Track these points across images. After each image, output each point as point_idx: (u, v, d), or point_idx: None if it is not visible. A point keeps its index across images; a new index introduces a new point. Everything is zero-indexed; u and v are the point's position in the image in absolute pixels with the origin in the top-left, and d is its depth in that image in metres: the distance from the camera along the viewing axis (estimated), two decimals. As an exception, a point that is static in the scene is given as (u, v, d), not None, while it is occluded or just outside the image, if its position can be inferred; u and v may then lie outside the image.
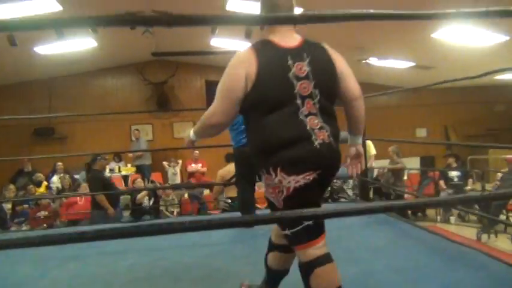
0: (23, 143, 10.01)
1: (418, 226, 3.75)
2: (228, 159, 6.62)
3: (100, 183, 5.85)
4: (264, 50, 1.78)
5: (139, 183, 7.37)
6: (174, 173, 9.21)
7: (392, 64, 9.21)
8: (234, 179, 6.25)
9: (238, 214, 4.01)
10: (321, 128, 1.73)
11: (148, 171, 9.37)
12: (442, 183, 7.91)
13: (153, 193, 7.04)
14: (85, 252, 3.08)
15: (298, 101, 1.72)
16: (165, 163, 9.52)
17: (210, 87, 10.72)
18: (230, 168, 6.50)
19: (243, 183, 3.91)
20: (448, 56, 8.08)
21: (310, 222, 1.72)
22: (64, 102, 10.21)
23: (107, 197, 5.77)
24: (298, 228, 1.73)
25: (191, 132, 2.03)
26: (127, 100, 10.79)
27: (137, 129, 10.09)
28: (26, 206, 7.23)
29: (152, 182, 8.41)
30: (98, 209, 5.80)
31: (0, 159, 5.24)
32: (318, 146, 1.70)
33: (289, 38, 1.82)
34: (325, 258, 1.74)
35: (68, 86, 10.52)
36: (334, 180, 7.29)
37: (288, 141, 1.70)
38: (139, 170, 9.36)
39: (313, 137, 1.71)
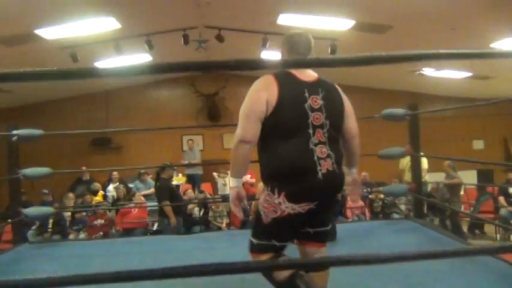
0: (81, 152, 10.52)
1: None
2: None
3: (168, 192, 6.04)
4: (285, 79, 1.96)
5: (190, 193, 7.52)
6: (224, 183, 9.31)
7: (448, 74, 8.90)
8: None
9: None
10: (327, 156, 1.93)
11: (199, 181, 9.56)
12: (501, 199, 7.52)
13: (203, 203, 7.18)
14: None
15: (310, 130, 1.92)
16: (214, 174, 9.66)
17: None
18: None
19: None
20: (507, 66, 7.72)
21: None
22: (120, 113, 10.68)
23: (172, 207, 5.93)
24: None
25: (231, 180, 2.08)
26: (179, 111, 11.09)
27: (191, 140, 10.31)
28: (84, 213, 7.56)
29: (202, 192, 8.55)
30: (165, 217, 5.94)
31: (61, 171, 5.55)
32: (321, 177, 1.90)
33: (306, 73, 2.02)
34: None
35: (124, 98, 10.99)
36: (385, 197, 7.12)
37: (296, 173, 1.90)
38: (191, 179, 9.54)
39: (318, 167, 1.90)
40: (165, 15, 6.40)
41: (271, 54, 8.33)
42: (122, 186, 8.45)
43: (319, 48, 7.19)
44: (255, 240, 2.05)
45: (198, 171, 9.76)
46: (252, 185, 9.20)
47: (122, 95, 10.95)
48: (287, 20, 6.35)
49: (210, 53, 8.71)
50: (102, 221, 7.19)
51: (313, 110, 1.93)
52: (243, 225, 7.19)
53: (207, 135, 11.34)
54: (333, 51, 7.06)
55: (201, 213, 7.06)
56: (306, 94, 1.94)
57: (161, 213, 6.07)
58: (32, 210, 4.37)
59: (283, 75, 1.97)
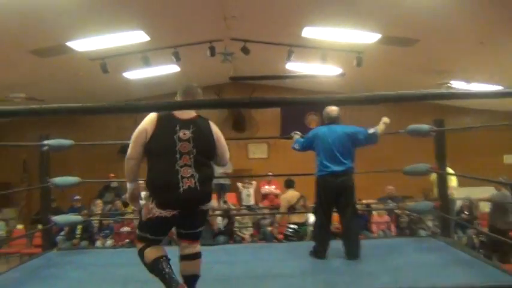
0: (110, 159, 10.73)
1: None
2: (288, 185, 6.68)
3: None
4: (164, 117, 2.62)
5: (214, 203, 7.58)
6: (248, 194, 9.36)
7: (478, 88, 8.72)
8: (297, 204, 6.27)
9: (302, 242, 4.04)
10: (191, 176, 2.53)
11: (226, 191, 9.60)
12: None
13: (227, 213, 7.21)
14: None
15: (177, 155, 2.54)
16: (239, 184, 9.71)
17: (285, 109, 10.84)
18: (293, 193, 6.55)
19: (320, 212, 3.90)
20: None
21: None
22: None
23: None
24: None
25: (128, 184, 2.76)
26: (205, 120, 11.21)
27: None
28: (111, 220, 7.72)
29: (225, 202, 8.60)
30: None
31: (89, 181, 5.71)
32: (182, 192, 2.50)
33: (185, 114, 2.66)
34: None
35: (152, 107, 11.16)
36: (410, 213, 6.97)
37: (162, 187, 2.55)
38: (218, 188, 9.58)
39: (181, 184, 2.51)
40: (192, 28, 6.52)
41: (296, 66, 8.37)
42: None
43: (345, 61, 7.25)
44: (137, 231, 2.71)
45: (227, 181, 9.81)
46: (276, 196, 9.22)
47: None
48: (312, 33, 6.38)
49: (236, 65, 8.81)
50: (129, 229, 7.32)
51: (181, 140, 2.56)
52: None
53: (232, 145, 11.29)
54: (358, 64, 7.04)
55: (225, 223, 7.09)
56: (177, 128, 2.59)
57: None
58: (61, 218, 4.52)
59: (164, 114, 2.64)
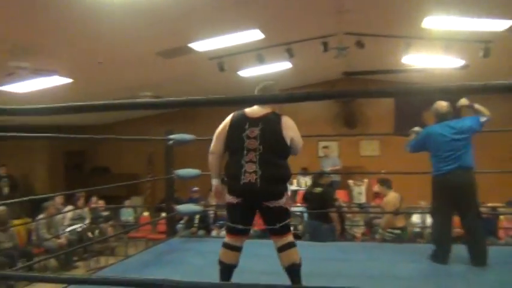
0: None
1: None
2: (388, 185, 6.34)
3: (332, 199, 6.21)
4: (236, 117, 2.89)
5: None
6: (360, 192, 9.15)
7: None
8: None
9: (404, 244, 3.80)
10: (253, 172, 2.71)
11: (336, 188, 9.52)
12: None
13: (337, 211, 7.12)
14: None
15: (245, 152, 2.74)
16: (350, 182, 9.53)
17: (399, 105, 10.34)
18: (395, 195, 6.22)
19: (439, 215, 3.66)
20: None
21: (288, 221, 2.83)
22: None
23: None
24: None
25: (212, 180, 3.03)
26: (316, 116, 11.15)
27: (326, 147, 10.33)
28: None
29: (336, 200, 8.50)
30: (324, 222, 6.04)
31: (208, 173, 6.09)
32: (242, 184, 2.72)
33: (255, 111, 2.86)
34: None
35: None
36: None
37: (230, 176, 2.81)
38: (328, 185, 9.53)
39: (242, 176, 2.72)
40: (305, 24, 6.53)
41: (414, 59, 7.93)
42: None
43: (471, 52, 6.69)
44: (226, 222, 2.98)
45: (338, 177, 9.72)
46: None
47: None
48: (433, 23, 5.98)
49: (350, 60, 8.62)
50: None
51: (249, 138, 2.76)
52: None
53: (343, 141, 11.22)
54: (486, 54, 6.44)
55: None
56: (246, 126, 2.79)
57: (320, 218, 6.11)
58: (183, 207, 4.85)
59: (237, 114, 2.90)
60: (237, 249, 2.84)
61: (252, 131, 2.75)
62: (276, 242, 2.81)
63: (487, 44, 6.33)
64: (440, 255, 3.53)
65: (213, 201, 8.23)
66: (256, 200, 2.74)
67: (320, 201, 6.13)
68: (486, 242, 3.66)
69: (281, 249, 2.78)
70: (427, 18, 5.91)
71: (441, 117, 3.73)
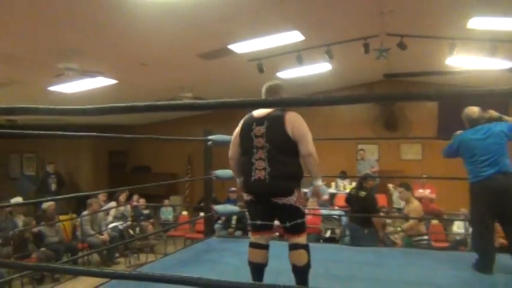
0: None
1: None
2: (407, 188, 6.16)
3: (376, 203, 6.19)
4: (246, 119, 2.97)
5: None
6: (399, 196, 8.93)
7: None
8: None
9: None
10: (262, 169, 2.79)
11: (375, 191, 9.36)
12: None
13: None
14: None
15: (254, 150, 2.84)
16: (390, 185, 9.34)
17: (443, 107, 10.05)
18: (418, 203, 6.07)
19: (479, 223, 3.52)
20: None
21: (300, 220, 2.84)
22: (298, 120, 11.09)
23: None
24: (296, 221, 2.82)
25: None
26: (355, 118, 11.00)
27: (362, 150, 10.19)
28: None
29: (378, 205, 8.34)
30: (366, 227, 5.93)
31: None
32: (253, 181, 2.81)
33: (260, 112, 2.89)
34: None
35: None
36: None
37: (243, 174, 2.92)
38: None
39: (253, 173, 2.81)
40: (346, 25, 6.46)
41: (459, 61, 7.68)
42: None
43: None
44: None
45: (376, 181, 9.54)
46: (431, 200, 8.63)
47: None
48: (479, 23, 5.77)
49: (391, 62, 8.46)
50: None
51: (256, 136, 2.84)
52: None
53: (383, 145, 11.01)
54: (536, 55, 6.17)
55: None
56: (253, 126, 2.87)
57: (362, 222, 5.99)
58: (221, 208, 4.91)
59: (246, 116, 2.98)
60: (263, 247, 2.88)
61: (258, 130, 2.84)
62: (289, 240, 2.86)
63: (536, 45, 6.06)
64: (484, 265, 3.39)
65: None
66: (265, 196, 2.80)
67: (363, 205, 6.03)
68: None
69: (290, 248, 2.82)
70: (473, 19, 5.72)
71: (473, 122, 3.65)
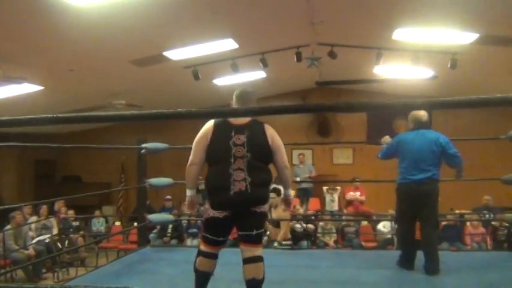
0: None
1: None
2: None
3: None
4: (219, 124, 2.76)
5: (298, 210, 7.58)
6: (332, 199, 9.24)
7: None
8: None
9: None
10: (242, 179, 2.64)
11: (309, 195, 9.61)
12: None
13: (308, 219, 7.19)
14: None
15: (232, 159, 2.66)
16: (324, 189, 9.63)
17: (371, 114, 10.55)
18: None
19: (403, 222, 3.75)
20: None
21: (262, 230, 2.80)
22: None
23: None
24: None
25: (187, 191, 2.91)
26: (289, 124, 11.20)
27: (302, 154, 10.42)
28: (199, 220, 8.06)
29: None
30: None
31: (181, 182, 6.10)
32: (233, 194, 2.64)
33: (239, 119, 2.74)
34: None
35: (238, 112, 11.46)
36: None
37: (215, 189, 2.72)
38: (304, 193, 9.58)
39: (232, 187, 2.64)
40: (279, 34, 6.61)
41: (385, 69, 8.12)
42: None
43: (438, 63, 6.91)
44: (201, 232, 2.90)
45: (310, 185, 9.81)
46: (362, 202, 9.00)
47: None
48: (403, 35, 6.16)
49: (322, 70, 8.76)
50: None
51: (235, 145, 2.67)
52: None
53: (317, 150, 11.34)
54: (453, 66, 6.67)
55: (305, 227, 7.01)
56: (232, 133, 2.69)
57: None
58: (155, 217, 4.81)
59: (220, 121, 2.76)
60: (214, 256, 2.80)
61: (238, 138, 2.68)
62: (245, 251, 2.70)
63: (454, 56, 6.55)
64: (406, 261, 3.61)
65: (186, 210, 8.18)
66: (245, 207, 2.68)
67: None
68: (438, 252, 3.63)
69: (249, 261, 2.68)
70: (398, 30, 6.09)
71: (420, 125, 3.72)
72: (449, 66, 6.69)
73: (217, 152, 2.71)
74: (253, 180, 2.65)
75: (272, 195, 4.93)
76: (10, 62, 5.70)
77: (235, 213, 2.68)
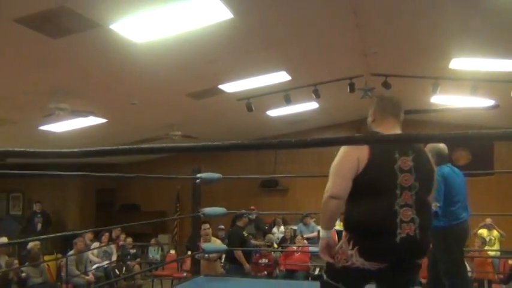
0: (251, 192, 11.31)
1: None
2: None
3: (238, 240, 6.28)
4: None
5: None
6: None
7: None
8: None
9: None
10: (410, 220, 1.93)
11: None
12: None
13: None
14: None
15: (398, 191, 1.94)
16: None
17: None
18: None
19: (463, 267, 3.52)
20: None
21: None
22: (287, 156, 11.16)
23: (244, 254, 6.22)
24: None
25: (321, 232, 2.12)
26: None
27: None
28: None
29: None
30: (234, 264, 6.28)
31: (233, 212, 6.17)
32: (399, 241, 1.91)
33: (393, 132, 2.08)
34: None
35: (292, 142, 11.51)
36: None
37: (373, 232, 1.94)
38: None
39: (398, 230, 1.92)
40: (331, 66, 6.66)
41: (443, 99, 7.90)
42: (290, 227, 8.80)
43: (499, 92, 6.63)
44: (325, 277, 2.12)
45: None
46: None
47: (291, 139, 11.49)
48: (461, 64, 6.00)
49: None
50: (266, 261, 7.53)
51: (402, 171, 1.97)
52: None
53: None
54: (516, 94, 6.38)
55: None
56: (396, 155, 1.98)
57: (232, 260, 6.38)
58: (209, 246, 4.87)
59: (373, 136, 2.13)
60: None
61: (404, 162, 1.98)
62: None
63: (516, 85, 6.28)
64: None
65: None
66: (412, 259, 2.03)
67: (229, 242, 6.32)
68: None
69: None
70: (455, 60, 5.94)
71: (445, 159, 3.50)
72: (511, 95, 6.41)
73: (378, 181, 1.97)
74: (422, 222, 1.96)
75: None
76: (77, 97, 6.12)
77: (395, 267, 1.96)
